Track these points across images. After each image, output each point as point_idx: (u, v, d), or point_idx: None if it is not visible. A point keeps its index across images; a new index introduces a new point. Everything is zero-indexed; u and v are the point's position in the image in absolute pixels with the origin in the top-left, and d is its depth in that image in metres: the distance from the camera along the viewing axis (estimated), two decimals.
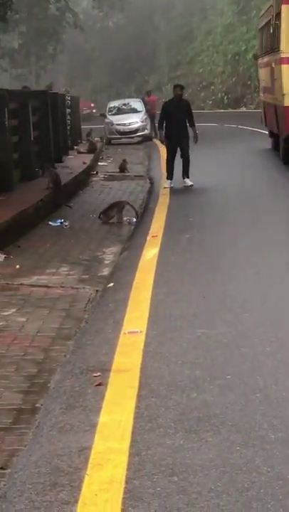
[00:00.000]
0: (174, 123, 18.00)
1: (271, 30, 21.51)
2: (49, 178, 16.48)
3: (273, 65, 20.84)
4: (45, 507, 4.13)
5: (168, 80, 65.25)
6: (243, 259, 10.19)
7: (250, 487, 4.19)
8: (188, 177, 17.96)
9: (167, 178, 18.27)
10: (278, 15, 19.60)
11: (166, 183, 18.19)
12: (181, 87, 18.96)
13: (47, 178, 16.59)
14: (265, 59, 23.57)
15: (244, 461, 4.47)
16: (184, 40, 65.40)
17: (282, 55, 19.02)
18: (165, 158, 18.82)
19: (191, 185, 17.75)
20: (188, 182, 17.88)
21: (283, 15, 19.01)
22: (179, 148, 18.11)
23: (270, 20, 22.00)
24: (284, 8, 18.94)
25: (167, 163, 18.39)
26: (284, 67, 18.86)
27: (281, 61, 19.09)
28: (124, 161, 22.53)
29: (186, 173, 18.03)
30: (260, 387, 5.55)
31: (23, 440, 4.98)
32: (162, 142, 19.16)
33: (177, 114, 18.03)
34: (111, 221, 13.73)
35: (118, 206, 14.11)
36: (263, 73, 24.73)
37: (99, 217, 13.87)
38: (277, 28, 19.76)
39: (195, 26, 64.94)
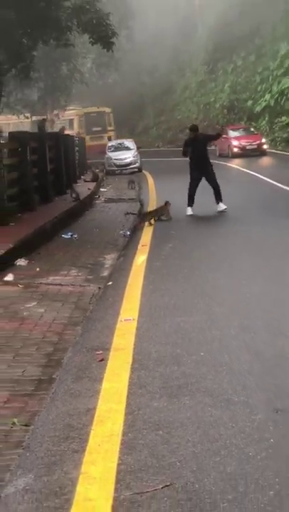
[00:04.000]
0: (196, 154, 16.30)
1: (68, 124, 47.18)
2: (71, 191, 18.60)
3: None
4: (59, 455, 4.14)
5: (153, 124, 65.24)
6: (216, 263, 10.21)
7: (219, 438, 4.21)
8: (221, 201, 15.99)
9: (188, 205, 16.11)
10: (72, 120, 47.73)
11: (188, 211, 16.03)
12: (194, 129, 16.93)
13: (73, 194, 18.40)
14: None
15: (214, 419, 4.49)
16: (165, 93, 65.39)
17: (80, 132, 45.22)
18: (153, 186, 18.48)
19: (225, 209, 15.81)
20: (222, 206, 15.91)
21: (75, 121, 47.45)
22: (204, 178, 16.20)
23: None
24: (75, 117, 47.19)
25: (189, 191, 16.24)
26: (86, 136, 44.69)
27: (78, 134, 43.16)
28: (166, 203, 16.04)
29: (218, 199, 16.02)
30: (226, 362, 5.57)
31: (42, 403, 4.98)
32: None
33: (197, 147, 16.29)
34: (163, 218, 14.72)
35: (162, 208, 14.97)
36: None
37: (145, 218, 14.52)
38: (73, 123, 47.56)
39: (174, 82, 64.98)
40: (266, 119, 44.33)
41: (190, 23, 65.93)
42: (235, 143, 38.02)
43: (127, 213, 15.09)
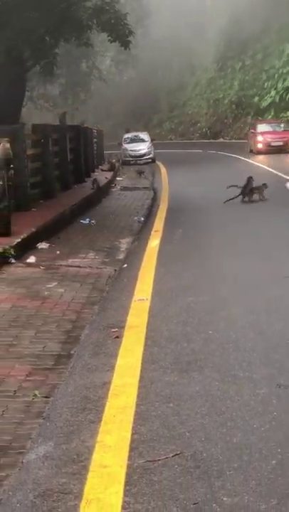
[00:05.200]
0: None
1: None
2: (93, 181, 18.29)
3: None
4: (77, 425, 4.14)
5: (166, 118, 64.99)
6: (221, 246, 10.17)
7: (226, 411, 4.19)
8: None
9: None
10: None
11: None
12: None
13: (94, 184, 18.07)
14: None
15: (221, 393, 4.47)
16: (178, 89, 65.11)
17: None
18: (166, 175, 18.34)
19: None
20: None
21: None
22: None
23: None
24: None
25: None
26: None
27: None
28: (264, 184, 15.55)
29: None
30: (232, 340, 5.55)
31: (61, 377, 4.99)
32: None
33: None
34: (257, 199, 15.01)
35: (260, 188, 15.18)
36: None
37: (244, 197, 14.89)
38: None
39: (186, 79, 64.66)
40: (272, 114, 44.10)
41: (202, 24, 65.47)
42: (259, 138, 33.43)
43: (230, 186, 15.35)
